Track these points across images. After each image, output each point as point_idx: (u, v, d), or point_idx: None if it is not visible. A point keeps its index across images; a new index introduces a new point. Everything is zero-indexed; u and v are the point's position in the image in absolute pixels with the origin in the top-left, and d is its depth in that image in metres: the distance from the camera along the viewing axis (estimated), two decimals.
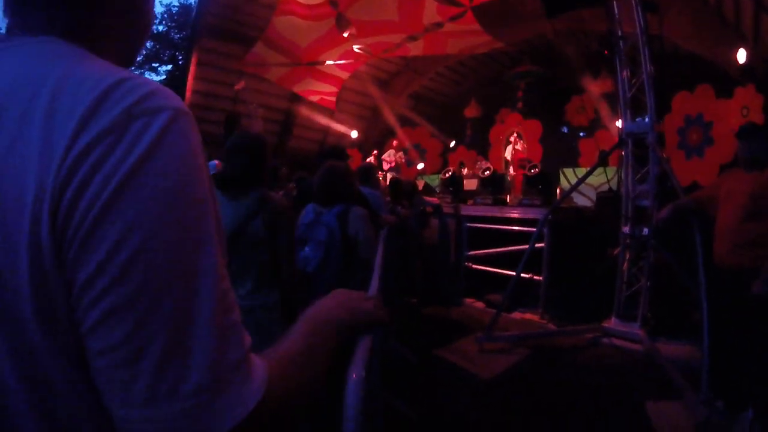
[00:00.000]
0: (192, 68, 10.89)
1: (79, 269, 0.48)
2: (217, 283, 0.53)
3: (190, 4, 28.45)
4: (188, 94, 11.14)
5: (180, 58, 26.47)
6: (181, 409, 0.48)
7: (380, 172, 11.02)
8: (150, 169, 0.50)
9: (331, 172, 3.23)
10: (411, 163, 12.50)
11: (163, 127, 0.51)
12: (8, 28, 0.60)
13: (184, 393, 0.48)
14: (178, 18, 29.47)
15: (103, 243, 0.48)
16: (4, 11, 0.61)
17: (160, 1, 33.40)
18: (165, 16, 29.95)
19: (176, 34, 29.38)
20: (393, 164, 11.41)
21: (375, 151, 11.81)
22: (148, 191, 0.49)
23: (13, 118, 0.50)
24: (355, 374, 0.87)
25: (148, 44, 29.75)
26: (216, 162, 5.65)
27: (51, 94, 0.50)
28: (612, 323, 5.20)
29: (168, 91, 0.56)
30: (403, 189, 6.01)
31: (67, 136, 0.48)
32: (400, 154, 11.67)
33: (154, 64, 29.50)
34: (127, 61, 0.74)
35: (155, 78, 29.51)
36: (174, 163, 0.52)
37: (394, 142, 12.00)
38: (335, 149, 4.83)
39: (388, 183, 6.43)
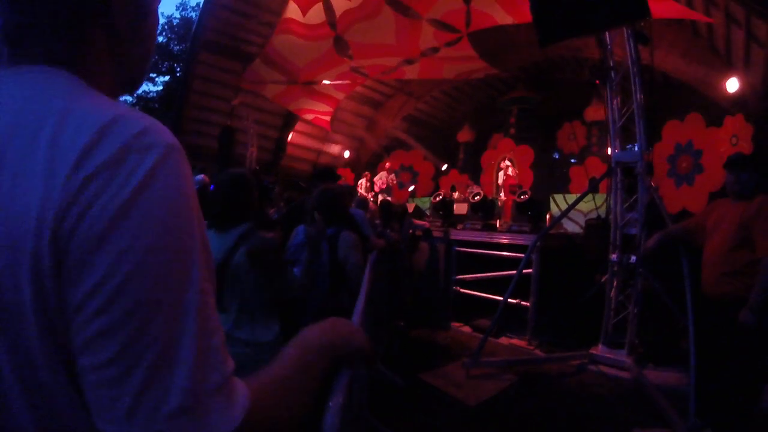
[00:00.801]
0: (189, 81, 10.94)
1: (75, 291, 0.51)
2: (201, 309, 0.56)
3: (192, 17, 28.61)
4: (185, 106, 11.18)
5: (178, 70, 26.55)
6: (158, 430, 0.51)
7: (371, 194, 11.04)
8: (143, 201, 0.53)
9: (327, 196, 3.24)
10: (403, 186, 12.55)
11: (156, 162, 0.55)
12: (9, 57, 0.63)
13: (163, 415, 0.51)
14: (178, 30, 29.60)
15: (96, 268, 0.51)
16: (4, 40, 0.63)
17: (161, 13, 33.54)
18: (165, 27, 30.09)
19: (176, 45, 29.50)
20: (384, 186, 11.46)
21: (367, 174, 11.83)
22: (141, 222, 0.53)
23: (20, 148, 0.54)
24: (331, 403, 0.88)
25: None
26: (202, 176, 5.65)
27: (54, 129, 0.54)
28: (599, 350, 5.20)
29: (161, 127, 0.59)
30: (393, 212, 6.01)
31: (68, 168, 0.52)
32: (392, 176, 11.72)
33: (152, 75, 29.54)
34: (129, 85, 0.79)
35: (151, 88, 29.63)
36: (165, 195, 0.55)
37: (387, 164, 12.05)
38: (327, 170, 4.83)
39: (378, 205, 6.43)
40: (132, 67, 0.76)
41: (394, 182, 11.71)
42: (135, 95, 28.79)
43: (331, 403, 0.88)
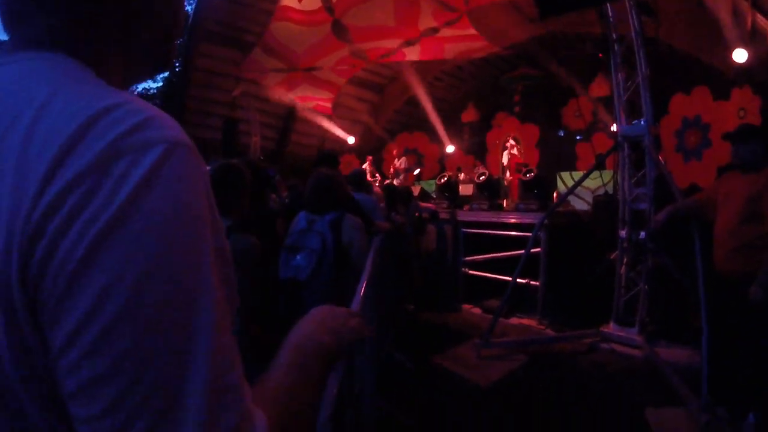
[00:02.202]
0: (190, 74, 10.92)
1: (54, 335, 0.43)
2: (215, 344, 0.47)
3: (187, 10, 28.44)
4: (186, 100, 11.18)
5: (177, 64, 26.46)
6: None
7: (377, 180, 11.02)
8: (134, 221, 0.43)
9: (322, 180, 3.19)
10: (409, 169, 12.53)
11: (153, 166, 0.45)
12: (8, 43, 0.55)
13: None
14: None
15: (79, 305, 0.42)
16: (3, 25, 0.56)
17: None
18: None
19: None
20: (393, 171, 11.48)
21: (370, 157, 11.78)
22: (132, 245, 0.43)
23: None
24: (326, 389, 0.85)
25: None
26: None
27: (31, 122, 0.45)
28: (611, 328, 5.16)
29: (164, 119, 0.49)
30: (398, 195, 5.97)
31: (40, 176, 0.43)
32: (402, 159, 11.69)
33: None
34: (156, 67, 0.70)
35: (152, 85, 29.58)
36: (164, 210, 0.45)
37: (394, 151, 12.03)
38: (327, 155, 4.79)
39: (382, 189, 6.40)
40: (151, 47, 0.66)
41: (403, 167, 11.65)
42: (135, 93, 28.81)
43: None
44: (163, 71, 0.73)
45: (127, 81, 0.65)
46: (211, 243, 0.50)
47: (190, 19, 10.64)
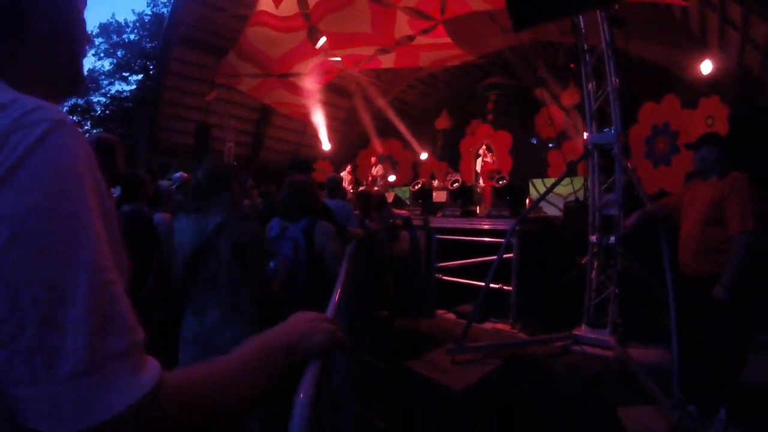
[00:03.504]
0: (163, 78, 10.80)
1: None
2: (95, 273, 0.57)
3: (163, 13, 28.07)
4: (160, 104, 11.05)
5: (152, 67, 26.04)
6: (61, 390, 0.52)
7: (353, 186, 11.03)
8: (26, 168, 0.56)
9: (295, 187, 3.21)
10: (384, 175, 12.61)
11: (38, 138, 0.57)
12: None
13: (60, 376, 0.52)
14: (150, 27, 29.10)
15: None
16: None
17: (132, 10, 33.04)
18: (137, 24, 29.64)
19: (148, 43, 28.96)
20: (371, 179, 11.52)
21: (349, 166, 11.81)
22: (23, 186, 0.55)
23: None
24: (303, 394, 0.86)
25: (120, 53, 29.27)
26: (182, 173, 5.56)
27: None
28: (583, 331, 5.24)
29: (51, 106, 0.62)
30: (372, 201, 5.98)
31: None
32: (380, 167, 11.74)
33: (124, 74, 29.07)
34: (68, 87, 0.83)
35: (126, 87, 29.12)
36: (49, 164, 0.57)
37: (372, 159, 12.06)
38: (301, 162, 4.82)
39: (356, 195, 6.41)
40: (61, 69, 0.79)
41: (380, 174, 11.70)
42: (109, 95, 28.39)
43: (300, 397, 0.86)
44: (77, 91, 0.87)
45: (50, 97, 0.74)
46: (94, 201, 0.62)
47: (165, 23, 10.54)
